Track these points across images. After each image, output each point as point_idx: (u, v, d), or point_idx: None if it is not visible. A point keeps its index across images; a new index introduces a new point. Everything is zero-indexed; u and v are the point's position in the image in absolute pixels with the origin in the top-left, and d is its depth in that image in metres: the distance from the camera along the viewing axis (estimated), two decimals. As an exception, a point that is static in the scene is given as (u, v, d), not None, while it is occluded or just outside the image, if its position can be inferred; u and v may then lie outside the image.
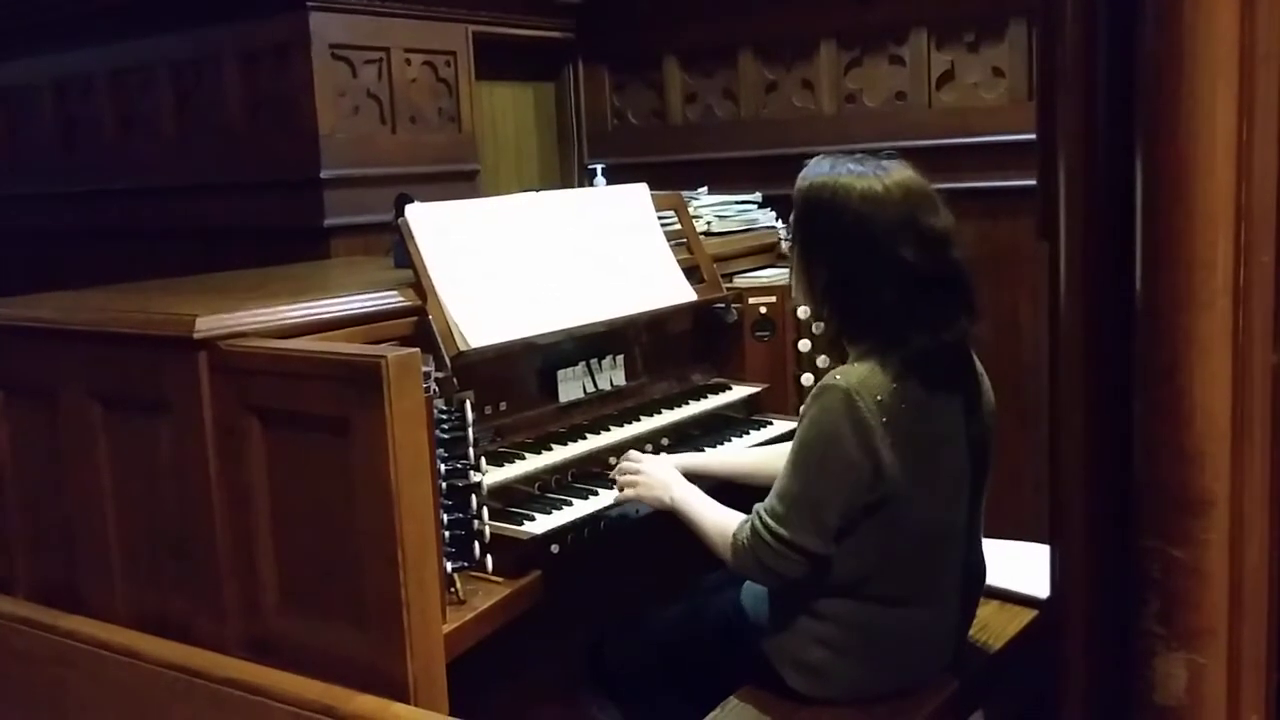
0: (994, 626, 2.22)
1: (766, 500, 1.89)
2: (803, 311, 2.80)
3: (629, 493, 2.16)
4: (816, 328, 2.80)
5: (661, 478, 2.14)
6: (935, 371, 1.87)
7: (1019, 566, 2.34)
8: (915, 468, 1.85)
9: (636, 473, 2.18)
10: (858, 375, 1.85)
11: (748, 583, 2.07)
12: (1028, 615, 2.26)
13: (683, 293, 2.68)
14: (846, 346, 1.94)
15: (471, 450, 1.92)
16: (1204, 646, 1.24)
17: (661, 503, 2.11)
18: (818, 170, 1.94)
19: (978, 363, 2.02)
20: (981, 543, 2.08)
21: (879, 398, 1.82)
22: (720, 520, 1.99)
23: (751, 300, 2.84)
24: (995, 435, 2.04)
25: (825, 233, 1.90)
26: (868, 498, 1.84)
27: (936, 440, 1.88)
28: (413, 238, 2.21)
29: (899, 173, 1.89)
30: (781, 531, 1.84)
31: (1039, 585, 2.05)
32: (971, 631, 2.14)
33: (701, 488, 2.12)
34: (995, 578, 2.22)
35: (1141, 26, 1.23)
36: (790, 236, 2.01)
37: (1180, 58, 1.20)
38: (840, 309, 1.94)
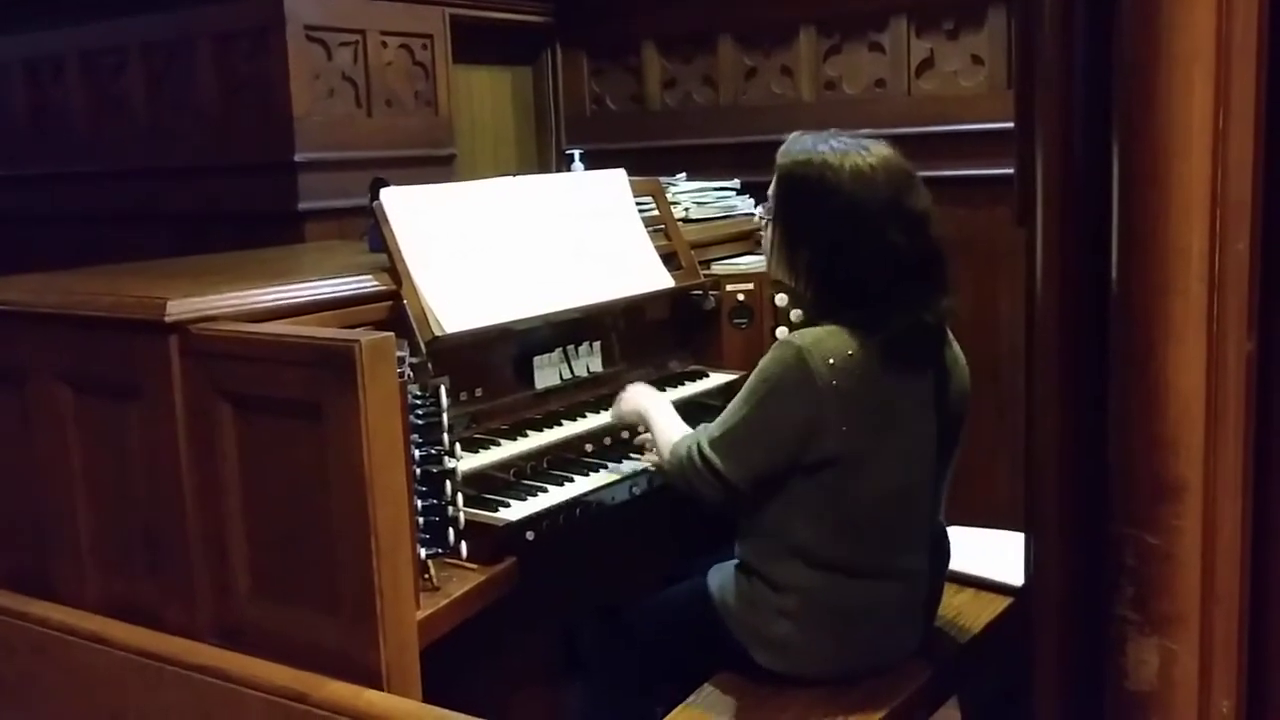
0: (969, 614, 2.23)
1: (712, 425, 1.99)
2: (780, 299, 2.80)
3: (612, 411, 2.31)
4: (795, 315, 2.80)
5: (639, 393, 2.29)
6: (902, 345, 1.88)
7: (994, 554, 2.35)
8: (868, 435, 1.87)
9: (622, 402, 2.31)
10: (814, 336, 1.88)
11: (714, 568, 2.09)
12: (1003, 602, 2.27)
13: (660, 279, 2.67)
14: (817, 319, 1.94)
15: (446, 436, 1.91)
16: (1176, 632, 1.24)
17: (636, 414, 2.25)
18: (801, 146, 1.95)
19: (954, 343, 2.03)
20: (943, 519, 2.08)
21: (831, 360, 1.83)
22: (672, 434, 2.10)
23: (729, 287, 2.84)
24: (966, 417, 2.04)
25: (812, 211, 1.91)
26: (805, 456, 1.87)
27: (896, 411, 1.89)
28: (388, 222, 2.19)
29: (882, 151, 1.91)
30: (710, 455, 1.92)
31: (1014, 573, 2.05)
32: (946, 618, 2.15)
33: None
34: (971, 565, 2.23)
35: (1119, 15, 1.23)
36: (770, 212, 2.00)
37: (1158, 46, 1.20)
38: (821, 287, 1.94)
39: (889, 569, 1.96)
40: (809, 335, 1.89)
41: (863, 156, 1.88)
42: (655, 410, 2.22)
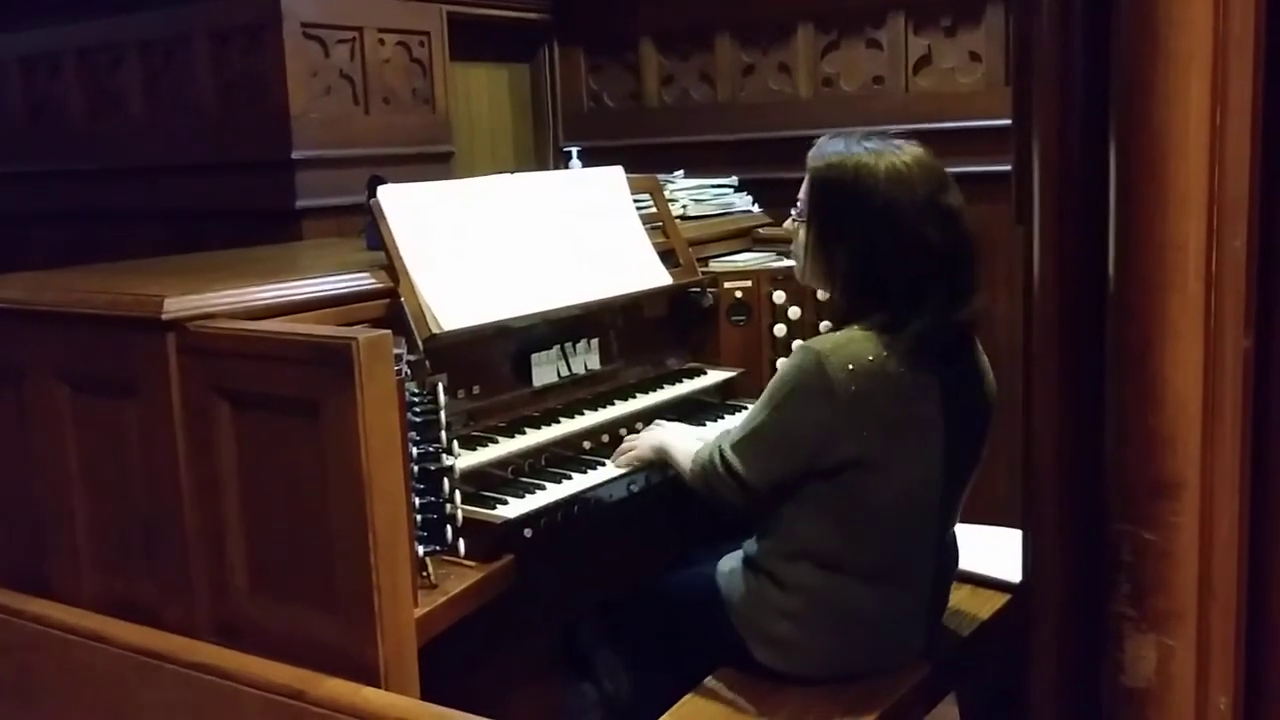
0: (967, 610, 2.23)
1: (733, 429, 2.00)
2: (779, 296, 2.80)
3: (627, 456, 2.26)
4: (794, 313, 2.80)
5: (651, 434, 2.27)
6: (926, 351, 1.87)
7: (992, 551, 2.35)
8: (886, 441, 1.86)
9: (632, 447, 2.27)
10: (833, 341, 1.87)
11: (721, 561, 2.08)
12: (1000, 599, 2.28)
13: (658, 276, 2.67)
14: (846, 321, 1.93)
15: (444, 434, 1.91)
16: (1173, 628, 1.24)
17: (654, 453, 2.21)
18: (834, 148, 1.94)
19: (982, 354, 2.03)
20: (955, 529, 2.08)
21: (850, 366, 1.83)
22: (692, 448, 2.09)
23: (727, 285, 2.83)
24: (989, 430, 2.03)
25: (850, 212, 1.90)
26: (821, 461, 1.87)
27: (915, 419, 1.88)
28: (385, 219, 2.19)
29: (915, 150, 1.91)
30: (730, 458, 1.93)
31: (1012, 570, 2.05)
32: (944, 616, 2.15)
33: None
34: (968, 562, 2.23)
35: (1117, 12, 1.23)
36: (802, 216, 1.99)
37: (1155, 43, 1.20)
38: (855, 289, 1.93)
39: (897, 574, 1.96)
40: (828, 341, 1.88)
41: (897, 156, 1.88)
42: (671, 437, 2.22)
